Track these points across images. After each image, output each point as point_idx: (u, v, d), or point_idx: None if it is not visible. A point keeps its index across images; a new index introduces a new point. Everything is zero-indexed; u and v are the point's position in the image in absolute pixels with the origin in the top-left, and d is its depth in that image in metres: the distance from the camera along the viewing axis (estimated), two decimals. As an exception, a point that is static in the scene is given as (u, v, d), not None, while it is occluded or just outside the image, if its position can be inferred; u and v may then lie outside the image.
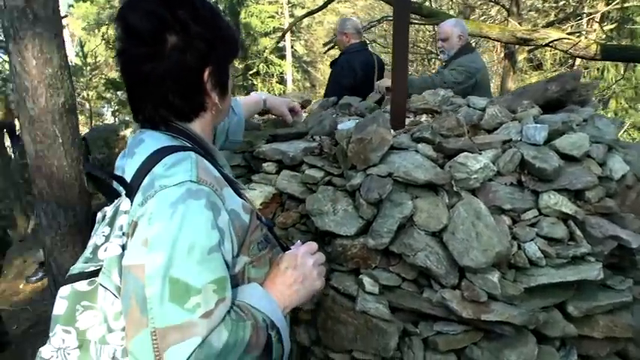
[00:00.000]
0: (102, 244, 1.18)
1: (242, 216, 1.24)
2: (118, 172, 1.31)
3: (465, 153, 2.20)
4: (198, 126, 1.36)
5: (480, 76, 4.18)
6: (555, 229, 2.13)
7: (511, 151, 2.25)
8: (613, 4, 12.61)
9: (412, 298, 2.07)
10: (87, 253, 1.21)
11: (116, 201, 1.22)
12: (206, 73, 1.29)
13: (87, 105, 15.72)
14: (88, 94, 15.48)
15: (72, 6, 21.32)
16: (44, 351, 1.17)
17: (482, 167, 2.14)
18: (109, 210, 1.23)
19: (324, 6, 9.11)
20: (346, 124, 2.65)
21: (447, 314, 2.03)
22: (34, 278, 5.94)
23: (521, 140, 2.38)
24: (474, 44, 15.40)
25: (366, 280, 2.10)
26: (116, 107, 16.09)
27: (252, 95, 2.57)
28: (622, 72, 13.74)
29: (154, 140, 1.26)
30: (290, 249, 1.42)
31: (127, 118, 15.70)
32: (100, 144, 11.08)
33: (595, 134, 2.50)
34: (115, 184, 1.28)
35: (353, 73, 4.82)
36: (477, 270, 1.95)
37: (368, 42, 6.16)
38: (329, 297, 2.19)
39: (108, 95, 15.10)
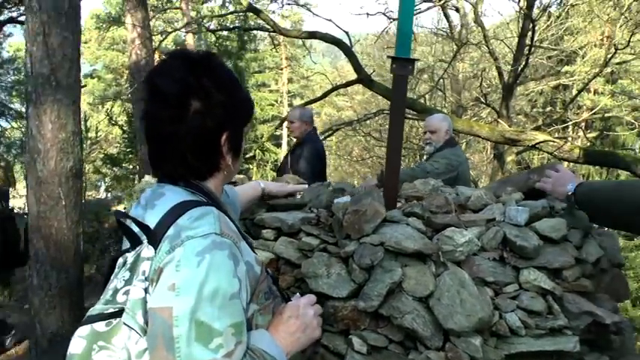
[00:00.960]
0: (121, 288, 1.26)
1: (255, 267, 1.36)
2: (132, 215, 1.40)
3: (452, 227, 2.39)
4: (212, 184, 1.47)
5: (461, 170, 4.41)
6: (534, 303, 2.28)
7: (494, 229, 2.45)
8: (592, 112, 13.30)
9: (398, 359, 2.18)
10: (107, 295, 1.28)
11: (137, 248, 1.29)
12: (223, 138, 1.39)
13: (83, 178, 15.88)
14: (85, 167, 15.73)
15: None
16: None
17: (467, 241, 2.32)
18: (130, 256, 1.30)
19: (323, 97, 9.59)
20: (342, 199, 2.85)
21: (431, 377, 2.13)
22: (8, 343, 5.70)
23: (504, 221, 2.57)
24: (464, 144, 15.97)
25: (355, 340, 2.21)
26: (110, 182, 16.34)
27: (250, 183, 2.73)
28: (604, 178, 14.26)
29: (174, 194, 1.36)
30: (291, 300, 1.54)
31: (119, 194, 15.90)
32: (91, 217, 11.20)
33: (573, 221, 2.69)
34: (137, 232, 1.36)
35: (321, 160, 5.05)
36: (460, 333, 2.09)
37: (364, 134, 6.47)
38: (319, 355, 2.30)
39: (104, 170, 15.40)
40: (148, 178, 3.25)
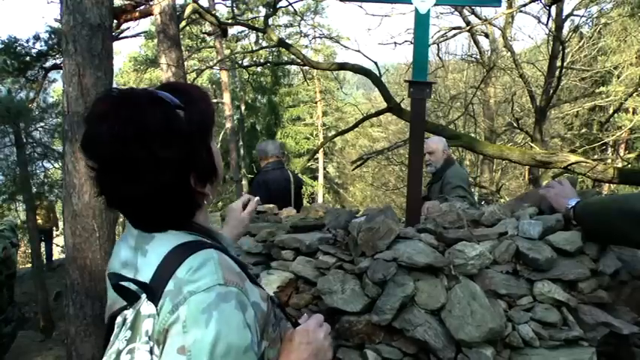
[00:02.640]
0: (124, 348, 1.15)
1: (262, 305, 1.28)
2: (121, 261, 1.29)
3: (463, 241, 2.44)
4: (198, 217, 1.33)
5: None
6: (549, 314, 2.29)
7: (507, 242, 2.48)
8: (623, 131, 13.03)
9: (413, 371, 2.22)
10: (110, 359, 1.18)
11: (135, 304, 1.18)
12: (192, 180, 1.24)
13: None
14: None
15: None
16: None
17: (478, 254, 2.36)
18: (129, 314, 1.19)
19: (354, 127, 9.72)
20: (359, 219, 2.93)
21: (445, 388, 2.17)
22: None
23: (517, 235, 2.60)
24: (499, 171, 15.81)
25: (370, 354, 2.27)
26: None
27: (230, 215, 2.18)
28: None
29: (165, 236, 1.23)
30: (299, 323, 1.46)
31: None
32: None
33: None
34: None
35: (267, 190, 5.27)
36: (471, 344, 2.12)
37: (397, 163, 6.52)
38: (335, 370, 2.35)
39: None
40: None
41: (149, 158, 1.15)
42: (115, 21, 8.36)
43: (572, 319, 2.32)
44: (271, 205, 3.76)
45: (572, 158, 8.08)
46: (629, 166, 13.31)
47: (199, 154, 1.26)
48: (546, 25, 10.89)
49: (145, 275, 1.19)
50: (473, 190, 14.88)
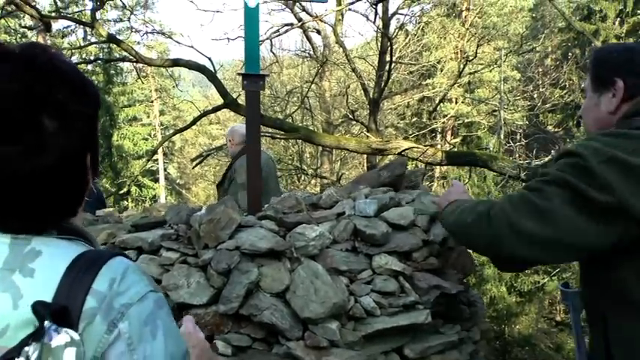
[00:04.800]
0: None
1: None
2: None
3: (303, 224, 2.51)
4: (78, 218, 1.11)
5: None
6: (387, 284, 2.44)
7: (344, 222, 2.59)
8: (447, 118, 14.23)
9: (262, 355, 2.25)
10: None
11: (36, 337, 0.87)
12: (88, 158, 1.05)
13: None
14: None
15: None
16: None
17: (318, 235, 2.45)
18: (31, 351, 0.87)
19: (192, 124, 9.53)
20: (200, 212, 2.88)
21: (295, 364, 2.22)
22: None
23: (354, 214, 2.73)
24: (339, 161, 16.40)
25: (219, 344, 2.25)
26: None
27: None
28: (475, 181, 15.33)
29: (54, 249, 0.99)
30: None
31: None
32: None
33: (421, 208, 2.91)
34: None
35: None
36: (317, 321, 2.19)
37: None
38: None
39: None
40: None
41: (61, 119, 0.95)
42: None
43: (409, 286, 2.49)
44: (111, 209, 3.57)
45: (405, 145, 8.64)
46: (455, 149, 14.57)
47: (96, 132, 1.09)
48: (374, 22, 11.51)
49: (36, 298, 0.91)
50: (314, 181, 15.35)
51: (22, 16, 13.67)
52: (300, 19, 11.69)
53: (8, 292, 0.92)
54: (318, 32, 14.40)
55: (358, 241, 2.59)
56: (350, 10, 12.60)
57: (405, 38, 15.81)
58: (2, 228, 0.97)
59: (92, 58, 18.02)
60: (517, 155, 15.72)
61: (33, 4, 8.91)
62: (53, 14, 10.15)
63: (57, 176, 0.98)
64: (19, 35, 19.23)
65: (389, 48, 10.39)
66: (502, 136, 12.15)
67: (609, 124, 1.56)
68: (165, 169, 25.11)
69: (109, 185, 19.58)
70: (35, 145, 0.93)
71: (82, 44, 12.93)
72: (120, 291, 0.95)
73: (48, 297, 0.91)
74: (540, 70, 21.43)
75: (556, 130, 18.96)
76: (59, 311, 0.89)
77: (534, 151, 12.23)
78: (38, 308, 0.88)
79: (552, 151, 12.28)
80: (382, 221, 2.67)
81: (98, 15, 10.11)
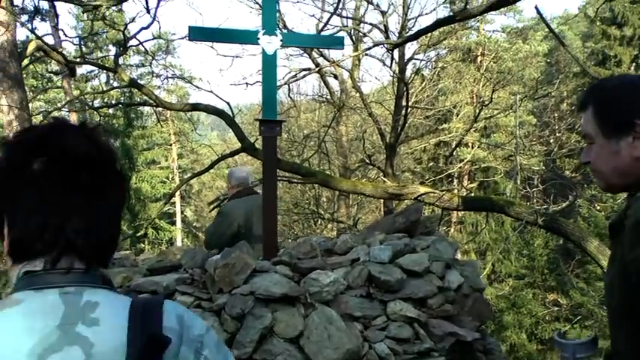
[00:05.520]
0: None
1: None
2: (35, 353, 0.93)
3: (318, 270, 2.52)
4: None
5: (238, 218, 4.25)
6: (402, 331, 2.44)
7: (359, 268, 2.61)
8: (464, 163, 14.21)
9: (275, 402, 2.22)
10: None
11: None
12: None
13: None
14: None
15: None
16: None
17: (332, 281, 2.46)
18: None
19: (209, 168, 9.64)
20: (216, 256, 2.90)
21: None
22: None
23: (369, 260, 2.74)
24: (355, 206, 16.40)
25: (232, 390, 2.23)
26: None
27: None
28: (492, 226, 15.22)
29: (108, 298, 1.01)
30: None
31: None
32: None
33: (436, 254, 2.92)
34: None
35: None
36: (330, 368, 2.17)
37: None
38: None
39: None
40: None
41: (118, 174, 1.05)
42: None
43: (424, 332, 2.48)
44: (127, 252, 3.59)
45: (421, 190, 8.64)
46: (472, 194, 14.51)
47: None
48: (390, 67, 11.69)
49: (110, 344, 0.94)
50: (331, 225, 15.31)
51: (48, 61, 14.10)
52: (317, 64, 11.90)
53: (76, 344, 0.92)
54: (335, 77, 14.64)
55: (373, 287, 2.59)
56: (367, 55, 12.82)
57: (421, 83, 15.96)
58: (61, 273, 0.97)
59: (114, 102, 18.41)
60: (534, 200, 15.64)
61: (60, 50, 9.19)
62: (78, 59, 10.46)
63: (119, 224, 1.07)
64: (46, 80, 19.70)
65: (405, 93, 10.52)
66: (519, 182, 12.12)
67: (634, 172, 1.38)
68: (182, 212, 25.23)
69: (125, 227, 19.73)
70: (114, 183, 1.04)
71: (105, 89, 13.25)
72: (190, 325, 1.03)
73: (119, 342, 0.94)
74: (556, 114, 21.43)
75: (573, 175, 18.84)
76: (166, 343, 0.95)
77: (552, 197, 12.15)
78: (155, 338, 0.95)
79: (569, 196, 12.20)
80: (397, 267, 2.69)
81: (121, 60, 10.39)
